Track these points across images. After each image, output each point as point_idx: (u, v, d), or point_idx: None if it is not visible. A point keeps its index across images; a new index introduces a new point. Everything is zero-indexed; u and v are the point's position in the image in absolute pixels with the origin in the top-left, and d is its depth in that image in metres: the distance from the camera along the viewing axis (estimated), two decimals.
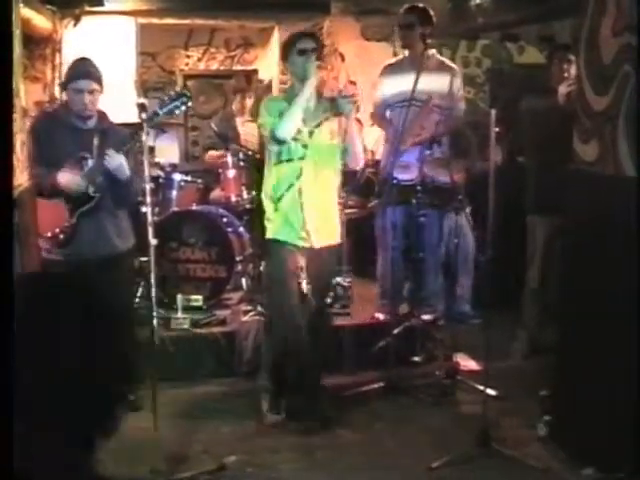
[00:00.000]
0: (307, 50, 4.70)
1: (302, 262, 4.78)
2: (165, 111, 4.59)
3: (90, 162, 4.70)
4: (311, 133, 4.75)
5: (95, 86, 4.72)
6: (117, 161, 4.63)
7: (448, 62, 6.20)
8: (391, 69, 6.11)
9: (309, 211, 4.75)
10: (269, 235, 4.82)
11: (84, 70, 4.73)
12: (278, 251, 4.81)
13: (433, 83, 5.68)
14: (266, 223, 4.84)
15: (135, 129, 4.57)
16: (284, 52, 4.87)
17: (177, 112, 4.71)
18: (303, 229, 4.75)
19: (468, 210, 5.57)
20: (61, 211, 4.70)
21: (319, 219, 4.80)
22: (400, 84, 5.72)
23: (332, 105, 4.81)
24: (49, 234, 4.67)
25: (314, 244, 4.78)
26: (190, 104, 4.69)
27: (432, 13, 5.90)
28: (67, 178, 4.64)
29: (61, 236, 4.70)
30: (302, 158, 4.72)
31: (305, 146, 4.72)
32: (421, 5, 5.95)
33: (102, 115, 4.89)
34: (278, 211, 4.78)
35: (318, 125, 4.78)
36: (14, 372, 2.58)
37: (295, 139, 4.70)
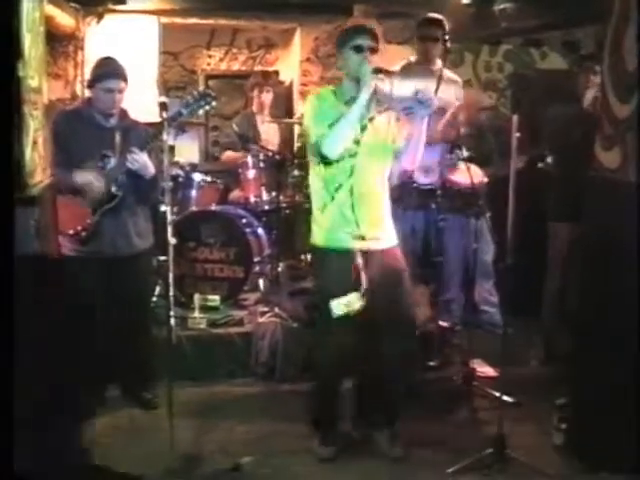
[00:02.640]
0: (364, 48, 4.21)
1: (359, 268, 4.26)
2: (189, 111, 4.60)
3: (112, 160, 4.72)
4: (363, 128, 4.28)
5: (124, 85, 4.77)
6: (141, 159, 4.68)
7: (450, 74, 6.15)
8: (405, 72, 6.07)
9: (362, 211, 4.28)
10: (317, 241, 4.37)
11: (114, 69, 4.77)
12: (329, 260, 4.34)
13: (442, 92, 5.59)
14: (313, 227, 4.41)
15: (157, 128, 4.57)
16: (337, 47, 4.35)
17: (201, 112, 4.71)
18: (357, 231, 4.27)
19: (489, 215, 5.56)
20: (83, 209, 4.71)
21: (373, 220, 4.34)
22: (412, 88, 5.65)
23: (386, 101, 4.37)
24: (71, 232, 4.69)
25: (370, 247, 4.30)
26: (214, 104, 4.67)
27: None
28: (85, 177, 4.67)
29: (83, 234, 4.72)
30: (354, 155, 4.25)
31: (357, 142, 4.25)
32: (439, 17, 5.89)
33: (123, 113, 4.92)
34: (327, 214, 4.31)
35: (371, 119, 4.31)
36: (14, 373, 2.58)
37: None
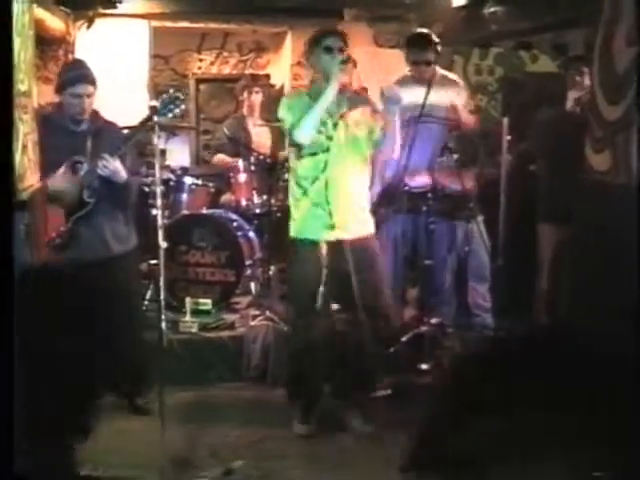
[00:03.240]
0: (333, 48, 4.54)
1: (329, 258, 4.55)
2: (161, 114, 4.55)
3: (85, 166, 4.61)
4: (335, 125, 4.58)
5: (92, 89, 4.66)
6: (112, 165, 4.53)
7: (451, 75, 6.17)
8: (398, 84, 6.09)
9: (337, 204, 4.55)
10: (292, 234, 4.67)
11: (82, 74, 4.66)
12: (301, 251, 4.65)
13: (435, 96, 5.58)
14: (290, 222, 4.70)
15: (133, 130, 4.56)
16: (309, 48, 4.68)
17: (170, 115, 4.73)
18: (330, 221, 4.54)
19: (480, 218, 5.57)
20: (57, 217, 4.62)
21: (348, 210, 4.61)
22: (406, 98, 5.67)
23: (360, 100, 4.71)
24: (46, 239, 4.59)
25: (344, 236, 4.55)
26: (183, 107, 4.72)
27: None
28: (57, 185, 4.58)
29: (57, 241, 4.62)
30: (327, 151, 4.55)
31: (330, 138, 4.55)
32: (426, 31, 5.89)
33: (95, 116, 4.80)
34: (302, 207, 4.61)
35: (343, 116, 4.60)
36: (14, 374, 2.57)
37: (319, 132, 4.53)
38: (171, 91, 4.81)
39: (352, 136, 4.61)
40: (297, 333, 4.83)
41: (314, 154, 4.56)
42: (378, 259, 4.78)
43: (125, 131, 4.76)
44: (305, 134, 4.49)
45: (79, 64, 4.77)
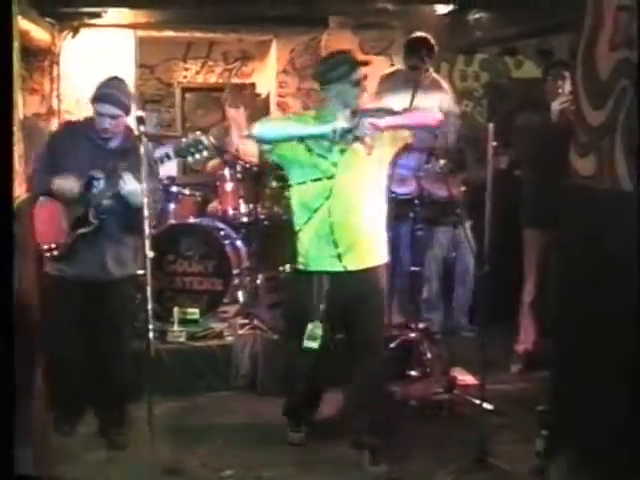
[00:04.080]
0: (360, 81, 4.33)
1: (331, 290, 4.31)
2: (178, 155, 4.52)
3: (101, 183, 4.46)
4: (343, 151, 4.27)
5: (116, 111, 4.49)
6: (132, 186, 4.38)
7: (442, 82, 6.20)
8: (388, 80, 6.11)
9: (341, 231, 4.28)
10: (293, 261, 4.49)
11: (106, 93, 4.51)
12: (301, 280, 4.44)
13: (426, 100, 5.61)
14: (293, 247, 4.46)
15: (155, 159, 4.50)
16: (319, 71, 4.47)
17: (190, 159, 4.55)
18: (334, 252, 4.29)
19: (467, 224, 5.59)
20: (61, 226, 4.54)
21: (355, 240, 4.33)
22: (395, 98, 5.69)
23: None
24: (45, 247, 4.57)
25: (350, 267, 4.33)
26: (206, 154, 4.52)
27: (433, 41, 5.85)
28: (61, 183, 4.48)
29: (55, 252, 4.56)
30: (332, 177, 4.26)
31: (335, 164, 4.26)
32: (424, 35, 5.90)
33: (128, 134, 4.64)
34: (304, 235, 4.37)
35: (352, 141, 4.25)
36: (14, 375, 2.59)
37: (324, 157, 4.28)
38: (196, 134, 4.56)
39: (363, 161, 4.31)
40: (293, 360, 4.68)
41: (317, 180, 4.29)
42: (383, 291, 4.52)
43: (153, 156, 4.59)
44: (260, 130, 4.36)
45: (111, 81, 4.59)
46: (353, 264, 4.34)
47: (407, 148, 4.62)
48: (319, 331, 4.25)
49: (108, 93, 4.51)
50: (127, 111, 4.57)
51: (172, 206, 6.63)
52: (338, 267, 4.31)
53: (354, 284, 4.33)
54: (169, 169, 7.36)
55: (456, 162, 5.92)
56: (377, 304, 4.46)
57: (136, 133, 4.35)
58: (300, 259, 4.42)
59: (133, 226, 4.48)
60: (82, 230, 4.52)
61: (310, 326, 4.26)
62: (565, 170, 4.36)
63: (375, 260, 4.42)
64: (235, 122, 7.28)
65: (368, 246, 4.39)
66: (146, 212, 4.21)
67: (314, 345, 4.25)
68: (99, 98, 4.51)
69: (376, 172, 4.39)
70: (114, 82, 4.60)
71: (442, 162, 5.71)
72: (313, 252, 4.35)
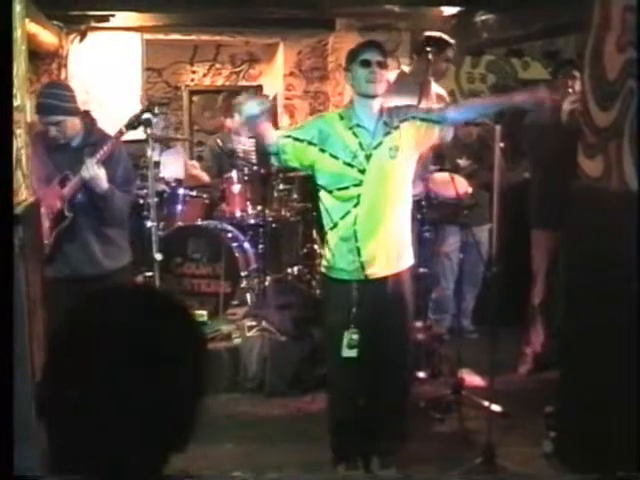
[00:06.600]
0: (372, 62, 4.09)
1: (358, 297, 4.17)
2: (130, 128, 4.47)
3: (72, 179, 4.46)
4: (368, 157, 4.10)
5: (57, 118, 4.43)
6: (92, 172, 4.34)
7: (440, 90, 6.17)
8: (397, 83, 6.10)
9: (367, 239, 4.14)
10: (322, 269, 4.37)
11: (43, 103, 4.43)
12: (330, 286, 4.35)
13: (431, 101, 5.57)
14: (322, 253, 4.46)
15: (116, 139, 4.45)
16: (347, 61, 4.26)
17: (142, 129, 4.49)
18: (359, 259, 4.16)
19: (475, 226, 5.57)
20: (44, 228, 4.47)
21: (381, 246, 4.18)
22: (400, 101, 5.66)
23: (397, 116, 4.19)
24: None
25: (370, 276, 4.19)
26: (155, 120, 4.50)
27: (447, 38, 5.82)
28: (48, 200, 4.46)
29: (43, 255, 4.41)
30: (359, 185, 4.10)
31: (362, 171, 4.09)
32: (437, 35, 5.87)
33: (89, 129, 4.62)
34: (331, 240, 4.24)
35: (377, 146, 4.12)
36: (14, 375, 2.58)
37: (350, 165, 4.11)
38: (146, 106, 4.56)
39: (389, 166, 4.14)
40: (336, 382, 4.46)
41: (345, 188, 4.13)
42: (408, 295, 4.33)
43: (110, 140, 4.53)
44: (282, 146, 4.19)
45: (45, 92, 4.50)
46: (376, 273, 4.21)
47: (435, 149, 4.61)
48: (356, 337, 4.16)
49: (44, 103, 4.42)
50: (71, 113, 4.48)
51: (179, 209, 6.64)
52: (360, 276, 4.19)
53: (378, 292, 4.21)
54: (176, 171, 7.40)
55: (479, 162, 5.91)
56: (402, 311, 4.31)
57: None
58: (324, 262, 4.34)
59: (114, 217, 4.52)
60: (60, 227, 4.49)
61: (346, 334, 4.17)
62: (573, 171, 4.36)
63: (399, 265, 4.29)
64: (234, 131, 7.21)
65: (393, 254, 4.26)
66: (153, 214, 4.23)
67: (353, 354, 4.17)
68: (38, 110, 4.44)
69: (403, 174, 4.24)
70: (48, 90, 4.52)
71: (466, 162, 5.69)
72: (337, 259, 4.23)
